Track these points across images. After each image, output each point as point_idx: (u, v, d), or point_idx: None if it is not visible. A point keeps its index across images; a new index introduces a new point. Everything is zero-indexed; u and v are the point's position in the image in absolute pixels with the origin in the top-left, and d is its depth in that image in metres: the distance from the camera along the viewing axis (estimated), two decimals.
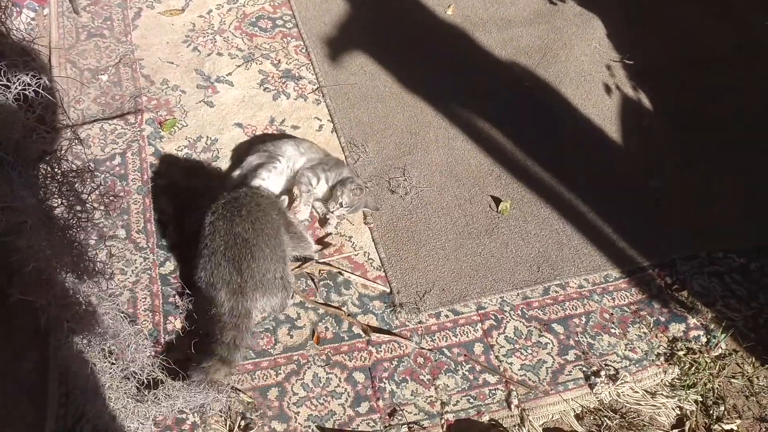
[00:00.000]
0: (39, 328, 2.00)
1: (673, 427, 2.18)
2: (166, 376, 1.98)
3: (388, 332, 2.29)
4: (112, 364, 1.91)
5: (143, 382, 1.96)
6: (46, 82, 1.45)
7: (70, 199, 1.40)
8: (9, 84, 1.29)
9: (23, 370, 2.10)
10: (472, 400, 2.17)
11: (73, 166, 1.41)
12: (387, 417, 2.11)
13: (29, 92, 1.38)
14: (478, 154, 2.82)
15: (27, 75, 1.40)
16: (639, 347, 2.33)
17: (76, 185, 1.40)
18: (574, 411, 2.19)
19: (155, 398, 1.94)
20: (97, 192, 1.50)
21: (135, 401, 1.94)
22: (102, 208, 1.52)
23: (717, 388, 2.25)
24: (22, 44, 1.50)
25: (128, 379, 1.94)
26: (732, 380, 2.28)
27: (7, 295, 1.73)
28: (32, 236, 1.30)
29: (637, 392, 2.23)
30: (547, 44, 3.27)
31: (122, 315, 1.79)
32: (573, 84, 3.12)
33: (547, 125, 2.96)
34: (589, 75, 3.18)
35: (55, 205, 1.44)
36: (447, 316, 2.34)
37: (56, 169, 1.34)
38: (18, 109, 1.26)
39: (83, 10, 3.09)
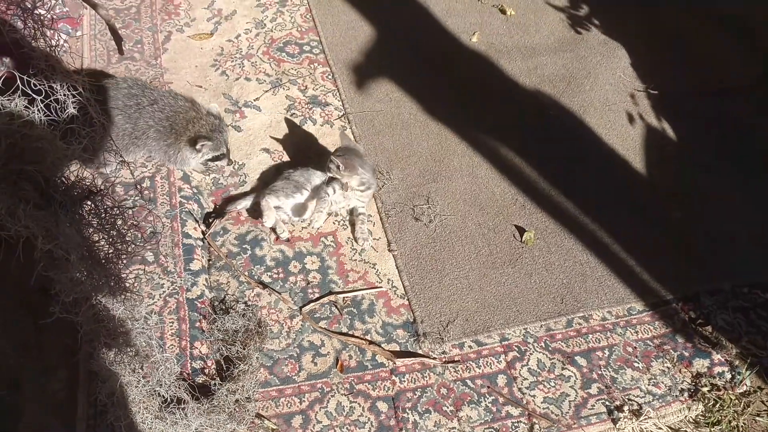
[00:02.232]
0: (70, 347, 2.04)
1: None
2: (190, 398, 2.01)
3: (414, 354, 2.31)
4: (139, 381, 1.94)
5: (166, 400, 1.99)
6: (93, 113, 1.49)
7: (111, 233, 1.44)
8: (57, 119, 1.33)
9: (53, 388, 2.14)
10: None
11: (116, 202, 1.45)
12: None
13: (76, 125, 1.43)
14: (502, 183, 2.83)
15: (75, 107, 1.44)
16: (662, 382, 2.33)
17: (118, 221, 1.44)
18: None
19: (173, 418, 1.97)
20: (135, 228, 1.53)
21: (154, 417, 1.97)
22: (142, 244, 1.55)
23: (742, 426, 2.24)
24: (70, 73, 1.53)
25: (152, 396, 1.97)
26: (757, 418, 2.26)
27: (42, 313, 1.76)
28: (74, 271, 1.33)
29: (660, 428, 2.22)
30: (572, 73, 3.29)
31: (155, 341, 1.81)
32: (597, 113, 3.13)
33: (571, 155, 2.96)
34: (614, 104, 3.18)
35: (96, 239, 1.47)
36: (470, 346, 2.35)
37: (100, 207, 1.38)
38: (65, 146, 1.30)
39: None
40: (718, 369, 2.37)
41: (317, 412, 2.16)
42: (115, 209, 1.42)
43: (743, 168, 2.98)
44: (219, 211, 2.61)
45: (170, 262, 2.40)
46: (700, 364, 2.38)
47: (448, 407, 2.21)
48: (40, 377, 2.14)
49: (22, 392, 2.11)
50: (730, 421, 2.23)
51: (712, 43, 3.50)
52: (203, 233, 2.52)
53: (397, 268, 2.54)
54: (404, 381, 2.25)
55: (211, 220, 2.57)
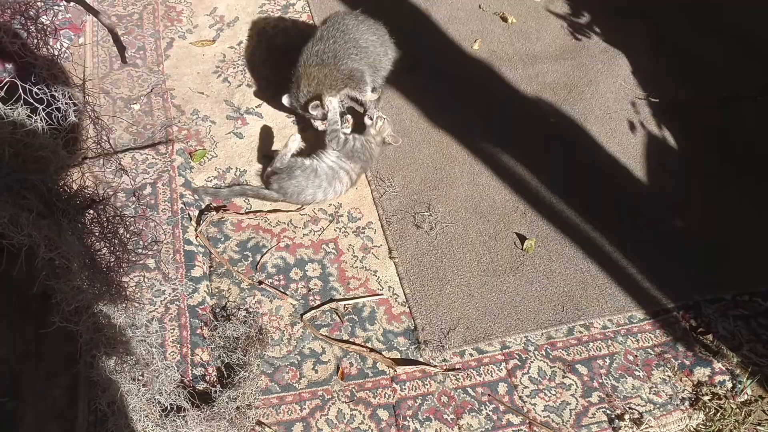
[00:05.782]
0: (71, 354, 2.04)
1: None
2: (190, 406, 2.01)
3: (415, 361, 2.31)
4: (139, 389, 1.94)
5: (166, 408, 1.99)
6: (92, 119, 1.49)
7: (113, 242, 1.44)
8: (59, 128, 1.33)
9: (54, 395, 2.14)
10: None
11: (117, 211, 1.45)
12: None
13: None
14: (503, 191, 2.84)
15: (74, 116, 1.44)
16: (663, 391, 2.32)
17: (120, 229, 1.44)
18: None
19: (174, 425, 1.97)
20: (137, 237, 1.53)
21: (154, 425, 1.97)
22: (143, 252, 1.55)
23: None
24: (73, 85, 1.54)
25: (152, 404, 1.98)
26: (758, 428, 2.26)
27: (43, 319, 1.76)
28: (75, 279, 1.34)
29: None
30: (573, 81, 3.29)
31: (155, 349, 1.82)
32: (598, 121, 3.13)
33: (572, 162, 2.96)
34: (615, 112, 3.18)
35: (98, 247, 1.48)
36: (471, 354, 2.35)
37: (102, 215, 1.38)
38: (68, 155, 1.31)
39: None
40: (719, 378, 2.36)
41: (318, 420, 2.16)
42: (117, 218, 1.42)
43: (745, 176, 2.98)
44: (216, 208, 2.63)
45: (171, 268, 2.40)
46: (701, 373, 2.37)
47: (448, 415, 2.21)
48: (41, 384, 2.14)
49: (22, 398, 2.11)
50: (731, 431, 2.23)
51: (713, 52, 3.50)
52: (195, 229, 2.52)
53: (398, 275, 2.54)
54: (405, 389, 2.25)
55: (204, 217, 2.57)
